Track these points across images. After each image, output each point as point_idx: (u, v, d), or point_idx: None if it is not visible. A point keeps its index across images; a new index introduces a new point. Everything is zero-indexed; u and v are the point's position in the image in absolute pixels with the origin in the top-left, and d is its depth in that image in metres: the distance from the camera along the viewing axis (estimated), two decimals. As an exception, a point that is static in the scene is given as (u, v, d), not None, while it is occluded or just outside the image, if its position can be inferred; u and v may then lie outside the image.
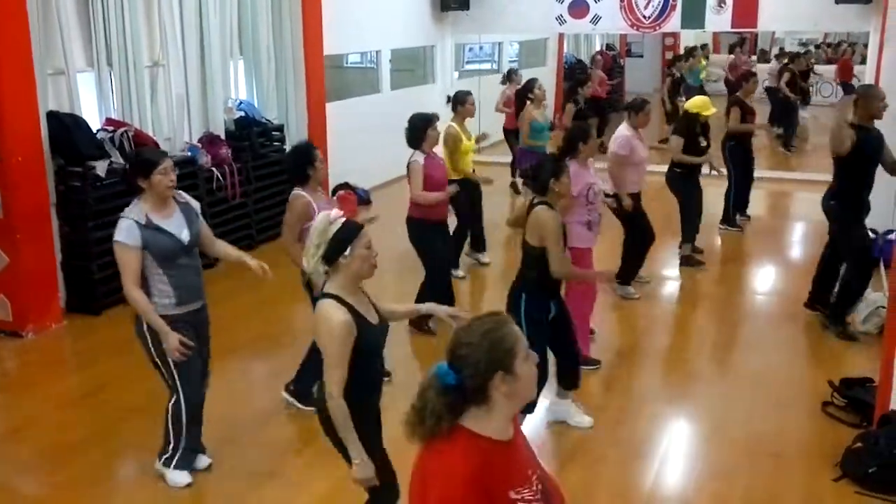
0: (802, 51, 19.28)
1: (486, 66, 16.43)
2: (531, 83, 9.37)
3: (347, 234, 3.25)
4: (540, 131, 9.12)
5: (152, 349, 4.29)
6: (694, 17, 12.36)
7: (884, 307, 6.37)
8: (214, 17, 8.58)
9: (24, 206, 6.46)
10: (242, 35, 9.24)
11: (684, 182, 8.20)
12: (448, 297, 6.34)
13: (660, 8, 12.43)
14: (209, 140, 8.51)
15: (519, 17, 13.14)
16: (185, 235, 4.28)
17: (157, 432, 5.12)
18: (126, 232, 4.13)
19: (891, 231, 8.27)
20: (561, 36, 17.34)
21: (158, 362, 4.32)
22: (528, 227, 4.77)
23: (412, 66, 13.86)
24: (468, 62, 16.10)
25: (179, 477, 4.51)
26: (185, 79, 8.39)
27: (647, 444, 4.99)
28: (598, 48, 20.34)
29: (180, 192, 4.43)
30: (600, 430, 5.16)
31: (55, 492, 4.54)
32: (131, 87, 7.64)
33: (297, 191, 5.08)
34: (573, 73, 18.20)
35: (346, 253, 3.23)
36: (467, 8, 13.22)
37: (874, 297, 6.63)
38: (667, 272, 8.36)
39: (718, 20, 12.35)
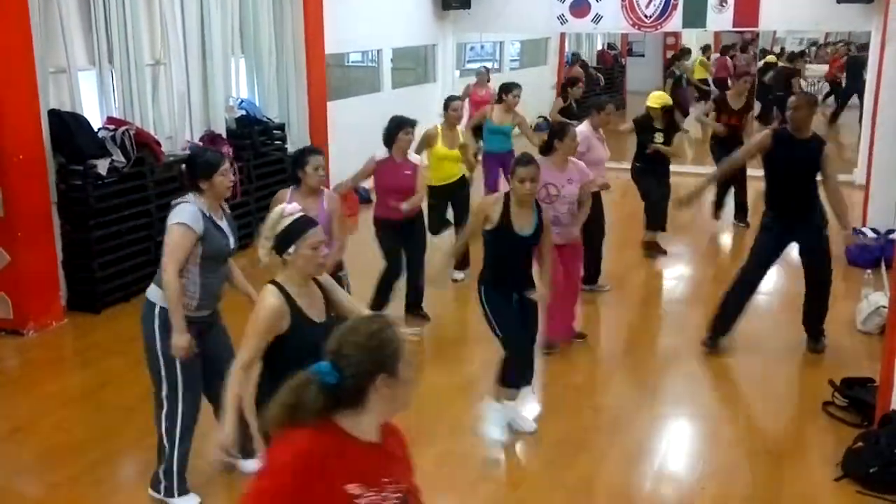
0: (797, 50, 19.33)
1: (488, 65, 16.41)
2: (512, 87, 8.97)
3: (293, 233, 3.30)
4: (498, 133, 8.87)
5: (158, 346, 4.12)
6: (695, 16, 12.35)
7: (885, 307, 6.37)
8: (216, 16, 8.58)
9: (25, 205, 6.46)
10: (244, 33, 9.24)
11: (641, 174, 8.48)
12: (385, 300, 6.51)
13: (661, 7, 12.42)
14: (210, 139, 8.51)
15: (520, 16, 13.13)
16: (232, 241, 4.27)
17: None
18: (192, 216, 4.04)
19: (892, 231, 8.30)
20: (562, 35, 17.34)
21: (162, 362, 4.15)
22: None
23: (413, 65, 13.86)
24: (469, 61, 16.10)
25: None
26: (186, 77, 8.39)
27: (647, 444, 4.99)
28: (599, 47, 20.34)
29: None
30: (600, 430, 5.16)
31: (55, 491, 4.54)
32: (133, 85, 7.64)
33: (284, 189, 5.17)
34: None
35: (291, 250, 3.29)
36: (469, 7, 13.20)
37: (875, 297, 6.63)
38: (667, 272, 8.36)
39: (720, 19, 12.34)
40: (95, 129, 7.22)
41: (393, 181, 6.33)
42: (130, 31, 7.51)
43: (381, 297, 6.56)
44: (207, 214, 4.11)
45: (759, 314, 7.25)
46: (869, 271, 7.83)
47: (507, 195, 4.86)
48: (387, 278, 6.56)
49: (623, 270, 8.35)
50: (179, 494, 4.32)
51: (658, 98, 8.34)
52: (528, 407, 5.28)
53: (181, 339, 4.04)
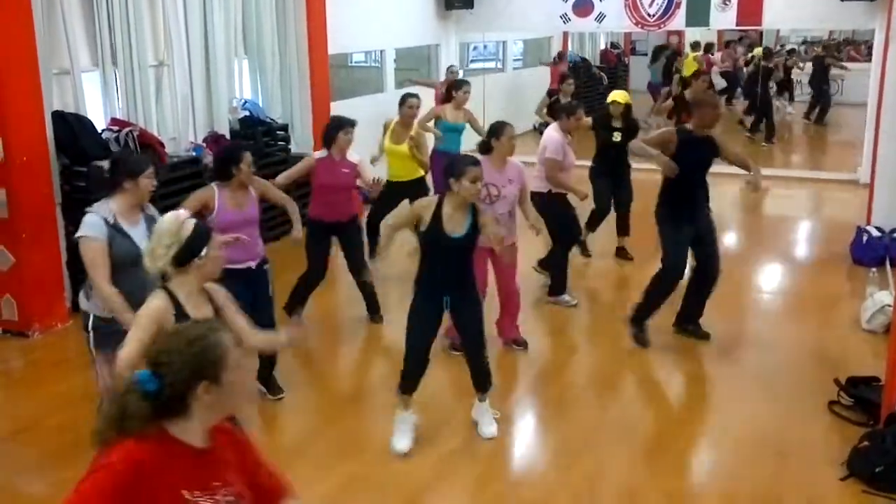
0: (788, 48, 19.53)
1: (491, 64, 16.42)
2: (461, 84, 9.15)
3: (202, 237, 3.33)
4: (452, 132, 8.98)
5: (92, 349, 4.28)
6: (699, 14, 12.33)
7: (890, 306, 6.36)
8: (219, 17, 8.58)
9: (29, 206, 6.47)
10: (247, 34, 9.24)
11: (597, 175, 8.33)
12: (300, 301, 6.57)
13: (664, 6, 12.40)
14: (214, 139, 8.51)
15: (523, 15, 13.13)
16: (145, 245, 4.17)
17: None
18: (91, 226, 4.12)
19: (897, 230, 8.28)
20: (565, 34, 17.33)
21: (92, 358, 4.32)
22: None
23: (416, 66, 13.85)
24: (472, 61, 16.10)
25: None
26: (189, 78, 8.40)
27: (652, 443, 4.99)
28: (602, 47, 20.31)
29: (149, 204, 4.45)
30: (605, 429, 5.15)
31: (59, 491, 4.48)
32: (136, 86, 7.65)
33: (207, 187, 5.29)
34: (577, 72, 18.19)
35: (202, 254, 3.30)
36: (471, 7, 13.20)
37: (880, 295, 6.62)
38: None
39: (723, 18, 12.32)
40: (99, 131, 7.23)
41: (331, 179, 6.39)
42: (134, 33, 7.52)
43: (295, 299, 6.57)
44: (112, 222, 4.16)
45: (763, 313, 7.26)
46: (874, 270, 7.82)
47: (441, 197, 4.80)
48: (307, 281, 6.56)
49: (626, 270, 8.35)
50: None
51: (621, 95, 8.23)
52: (486, 421, 5.07)
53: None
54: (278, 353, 5.35)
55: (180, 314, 3.28)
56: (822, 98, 17.52)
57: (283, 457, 4.82)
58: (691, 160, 5.97)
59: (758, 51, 17.26)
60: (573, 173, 7.31)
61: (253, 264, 5.19)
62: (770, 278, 8.23)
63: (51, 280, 6.73)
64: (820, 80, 17.33)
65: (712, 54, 19.09)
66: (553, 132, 7.22)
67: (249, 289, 4.92)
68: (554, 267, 7.39)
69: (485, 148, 5.99)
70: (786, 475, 4.62)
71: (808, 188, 12.11)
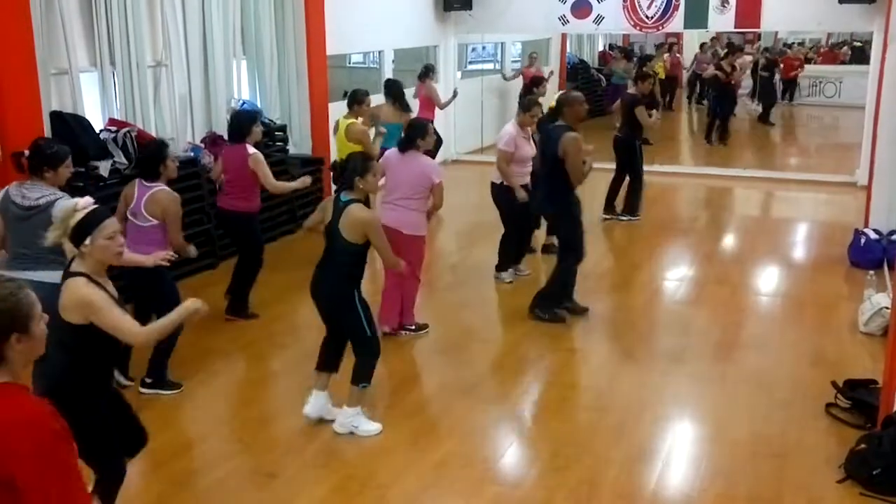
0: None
1: (489, 66, 16.42)
2: (365, 93, 9.00)
3: (88, 225, 3.44)
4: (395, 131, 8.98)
5: None
6: (697, 17, 12.36)
7: (888, 308, 6.37)
8: (217, 17, 8.58)
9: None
10: (245, 35, 9.24)
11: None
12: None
13: (662, 8, 12.42)
14: (212, 140, 8.51)
15: (522, 17, 13.14)
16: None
17: (161, 432, 5.13)
18: None
19: (894, 232, 8.28)
20: (564, 36, 17.34)
21: None
22: (347, 226, 4.86)
23: (415, 67, 13.84)
24: (471, 62, 16.10)
25: None
26: (187, 79, 8.39)
27: (650, 445, 4.98)
28: (600, 48, 20.33)
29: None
30: (604, 431, 5.15)
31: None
32: (134, 87, 7.65)
33: (131, 183, 5.53)
34: (576, 73, 18.24)
35: (87, 242, 3.43)
36: (470, 8, 13.21)
37: (877, 298, 6.62)
38: (670, 273, 8.35)
39: (722, 20, 12.35)
40: (97, 131, 7.22)
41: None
42: (132, 33, 7.52)
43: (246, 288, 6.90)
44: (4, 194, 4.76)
45: (761, 315, 7.26)
46: (871, 272, 7.82)
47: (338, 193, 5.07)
48: (256, 270, 6.85)
49: (626, 272, 8.35)
50: None
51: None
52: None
53: None
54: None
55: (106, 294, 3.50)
56: (763, 98, 17.82)
57: (277, 457, 4.83)
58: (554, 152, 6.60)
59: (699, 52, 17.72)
60: (528, 165, 7.61)
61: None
62: (768, 281, 8.23)
63: (48, 280, 6.71)
64: (764, 84, 17.54)
65: (679, 55, 19.37)
66: (508, 126, 7.65)
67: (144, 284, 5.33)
68: (501, 246, 7.87)
69: (409, 145, 6.29)
70: (783, 477, 4.61)
71: (805, 190, 12.12)
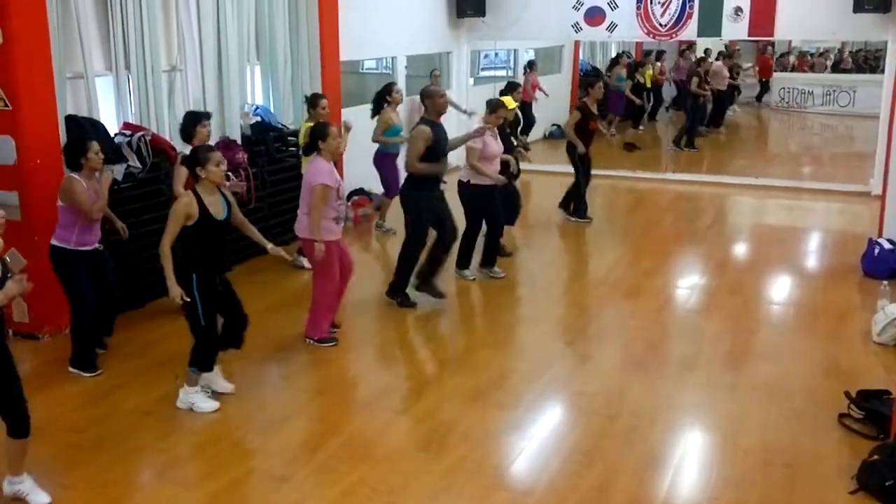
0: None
1: (502, 72, 16.44)
2: (390, 86, 9.81)
3: None
4: (395, 133, 9.59)
5: None
6: (710, 25, 12.34)
7: (902, 319, 6.34)
8: (232, 23, 8.62)
9: (41, 209, 6.48)
10: (259, 40, 9.28)
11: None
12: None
13: (676, 16, 12.41)
14: (225, 145, 8.52)
15: (535, 24, 13.14)
16: None
17: (169, 435, 5.15)
18: None
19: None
20: (577, 43, 17.34)
21: None
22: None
23: (427, 73, 13.86)
24: (483, 69, 16.12)
25: None
26: (202, 83, 8.43)
27: (661, 453, 4.97)
28: (613, 55, 20.33)
29: None
30: (614, 439, 5.14)
31: (67, 493, 4.55)
32: (149, 91, 7.69)
33: (71, 174, 5.79)
34: (588, 80, 18.23)
35: None
36: (483, 15, 13.23)
37: (891, 308, 6.58)
38: (682, 282, 8.33)
39: (735, 28, 12.32)
40: (112, 135, 7.26)
41: None
42: (147, 38, 7.56)
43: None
44: None
45: (774, 325, 7.23)
46: (885, 282, 7.78)
47: (195, 191, 5.26)
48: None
49: (638, 280, 8.33)
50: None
51: (508, 101, 8.52)
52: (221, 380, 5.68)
53: None
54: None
55: None
56: (688, 118, 16.36)
57: (288, 461, 4.84)
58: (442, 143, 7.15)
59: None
60: (497, 162, 7.92)
61: (99, 246, 5.99)
62: (781, 290, 8.19)
63: (62, 283, 6.74)
64: (692, 98, 16.27)
65: (663, 62, 19.40)
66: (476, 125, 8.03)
67: (94, 268, 5.90)
68: (462, 242, 7.96)
69: (312, 149, 6.36)
70: (795, 488, 4.59)
71: (819, 200, 12.06)
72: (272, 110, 9.47)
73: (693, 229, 10.43)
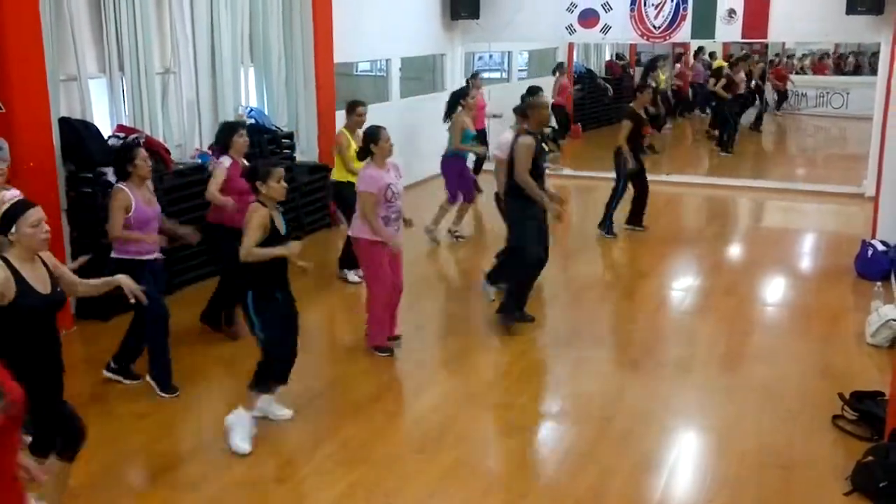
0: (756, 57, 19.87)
1: (496, 74, 16.44)
2: (467, 89, 9.78)
3: (12, 214, 3.68)
4: (468, 138, 9.46)
5: None
6: (704, 27, 12.37)
7: (894, 320, 6.36)
8: (226, 25, 8.61)
9: (35, 212, 6.48)
10: (253, 43, 9.28)
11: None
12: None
13: (670, 18, 12.44)
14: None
15: (529, 26, 13.15)
16: None
17: (164, 438, 5.13)
18: None
19: (901, 243, 8.26)
20: (571, 45, 17.36)
21: None
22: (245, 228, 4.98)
23: (422, 75, 13.88)
24: (478, 71, 16.11)
25: None
26: (195, 86, 8.42)
27: (656, 454, 4.97)
28: (607, 58, 20.36)
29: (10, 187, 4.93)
30: (610, 441, 5.14)
31: (65, 496, 4.53)
32: (143, 93, 7.68)
33: (118, 185, 5.55)
34: (582, 83, 18.27)
35: (13, 230, 3.65)
36: (477, 17, 13.24)
37: (885, 309, 6.60)
38: (676, 284, 8.34)
39: (729, 31, 12.34)
40: (105, 137, 7.24)
41: (243, 183, 6.37)
42: (141, 40, 7.55)
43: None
44: None
45: (768, 326, 7.24)
46: (879, 284, 7.80)
47: (261, 202, 5.00)
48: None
49: (632, 282, 8.34)
50: None
51: None
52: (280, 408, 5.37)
53: None
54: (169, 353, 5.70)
55: (18, 278, 3.65)
56: (723, 121, 15.94)
57: (284, 463, 4.83)
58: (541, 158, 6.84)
59: (718, 61, 17.34)
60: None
61: (159, 256, 5.69)
62: (774, 291, 8.21)
63: (55, 286, 6.72)
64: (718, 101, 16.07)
65: (680, 64, 19.36)
66: (506, 134, 7.66)
67: (154, 277, 5.50)
68: (499, 257, 7.69)
69: (366, 154, 6.26)
70: (789, 489, 4.60)
71: (812, 201, 12.10)
72: (266, 112, 9.47)
73: (687, 231, 10.45)
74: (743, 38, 12.62)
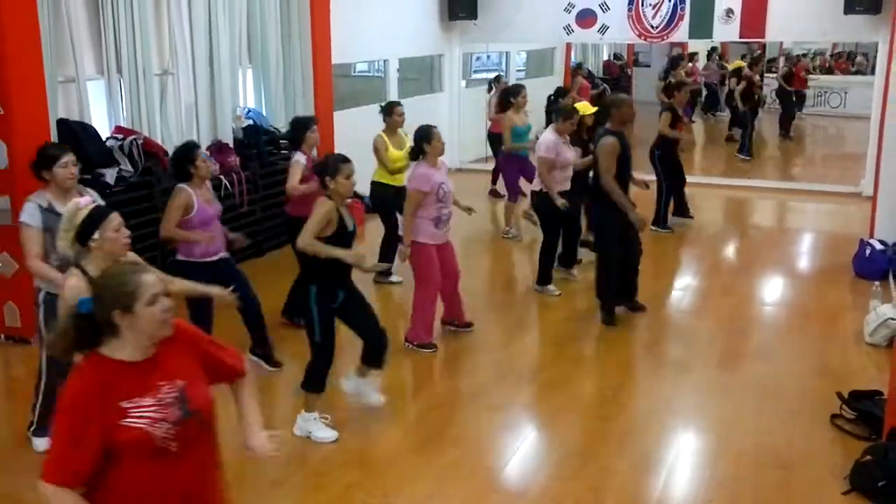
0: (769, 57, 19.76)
1: (493, 75, 16.42)
2: (516, 88, 9.71)
3: (93, 220, 3.67)
4: (521, 136, 9.44)
5: (41, 324, 4.60)
6: (702, 27, 12.37)
7: (893, 319, 6.37)
8: (224, 26, 8.61)
9: (33, 214, 6.47)
10: (251, 44, 9.27)
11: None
12: None
13: (667, 18, 12.45)
14: (217, 148, 8.53)
15: (526, 26, 13.16)
16: None
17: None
18: (28, 214, 4.64)
19: (900, 242, 8.27)
20: (568, 45, 17.37)
21: (38, 333, 4.65)
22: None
23: (420, 76, 13.88)
24: (475, 71, 16.13)
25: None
26: (194, 87, 8.42)
27: (654, 455, 4.97)
28: (605, 58, 20.39)
29: (87, 188, 4.87)
30: (609, 440, 5.15)
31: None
32: (141, 95, 7.68)
33: (180, 185, 5.52)
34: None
35: (96, 236, 3.65)
36: (475, 17, 13.25)
37: (883, 309, 6.60)
38: (676, 283, 8.34)
39: (726, 30, 12.35)
40: (103, 139, 7.24)
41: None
42: (139, 41, 7.55)
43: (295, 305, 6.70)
44: (47, 206, 4.64)
45: (766, 326, 7.25)
46: (877, 283, 7.81)
47: (329, 198, 4.97)
48: None
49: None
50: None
51: (586, 107, 8.26)
52: (374, 393, 5.40)
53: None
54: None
55: None
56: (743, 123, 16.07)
57: (281, 464, 4.83)
58: (627, 155, 6.60)
59: (737, 62, 17.24)
60: (569, 171, 7.61)
61: (224, 255, 5.71)
62: (773, 291, 8.21)
63: (54, 287, 6.72)
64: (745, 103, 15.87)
65: (696, 63, 19.29)
66: (548, 133, 7.60)
67: (222, 278, 5.29)
68: (541, 259, 7.70)
69: (417, 153, 6.23)
70: (788, 489, 4.60)
71: (810, 201, 12.10)
72: (264, 113, 9.46)
73: (686, 230, 10.44)
74: (741, 37, 12.62)
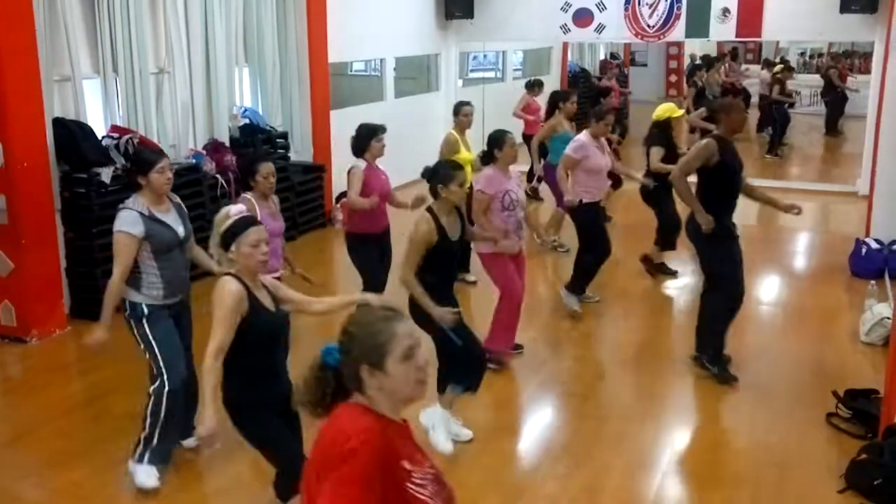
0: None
1: (490, 74, 16.45)
2: (567, 93, 9.48)
3: (233, 232, 3.55)
4: (564, 143, 9.02)
5: (137, 332, 4.51)
6: (698, 26, 12.37)
7: (889, 318, 6.37)
8: (220, 25, 8.61)
9: (29, 213, 6.47)
10: (248, 43, 9.27)
11: (658, 193, 7.90)
12: None
13: (664, 17, 12.45)
14: (214, 147, 8.53)
15: (523, 25, 13.16)
16: (181, 230, 4.56)
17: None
18: (126, 222, 4.39)
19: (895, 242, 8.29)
20: (565, 45, 17.37)
21: (143, 345, 4.52)
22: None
23: (416, 75, 13.88)
24: (472, 70, 16.13)
25: (145, 476, 4.49)
26: (190, 86, 8.41)
27: (651, 453, 4.98)
28: (602, 57, 20.38)
29: (172, 193, 4.69)
30: (604, 440, 5.15)
31: (56, 498, 4.53)
32: (137, 94, 7.67)
33: (244, 194, 5.36)
34: (577, 82, 18.26)
35: (232, 248, 3.53)
36: (472, 16, 13.24)
37: (879, 308, 6.62)
38: (671, 282, 8.34)
39: (723, 29, 12.35)
40: (99, 138, 7.24)
41: (379, 186, 6.25)
42: (135, 40, 7.54)
43: None
44: (147, 213, 4.43)
45: (762, 325, 7.25)
46: (873, 282, 7.81)
47: (430, 210, 4.84)
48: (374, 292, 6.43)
49: (627, 280, 8.34)
50: (147, 462, 4.53)
51: (672, 109, 8.02)
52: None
53: (101, 333, 4.48)
54: None
55: (250, 295, 3.50)
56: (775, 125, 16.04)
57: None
58: (734, 164, 5.75)
59: (778, 67, 17.03)
60: (602, 177, 7.36)
61: (278, 273, 5.32)
62: (769, 290, 8.22)
63: (50, 286, 6.72)
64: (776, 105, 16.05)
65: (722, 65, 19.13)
66: (581, 135, 7.34)
67: None
68: (576, 267, 7.35)
69: (488, 158, 5.98)
70: (784, 487, 4.61)
71: (807, 199, 12.10)
72: (261, 112, 9.47)
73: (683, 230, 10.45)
74: (737, 36, 12.62)
